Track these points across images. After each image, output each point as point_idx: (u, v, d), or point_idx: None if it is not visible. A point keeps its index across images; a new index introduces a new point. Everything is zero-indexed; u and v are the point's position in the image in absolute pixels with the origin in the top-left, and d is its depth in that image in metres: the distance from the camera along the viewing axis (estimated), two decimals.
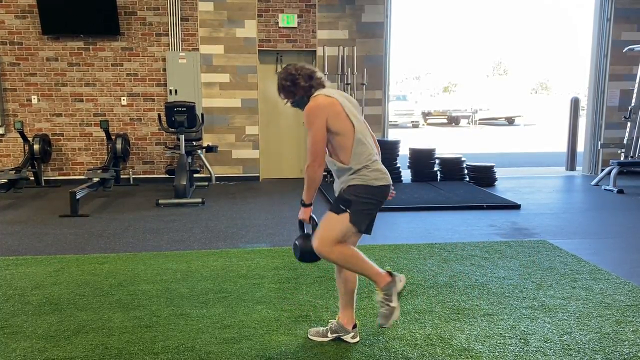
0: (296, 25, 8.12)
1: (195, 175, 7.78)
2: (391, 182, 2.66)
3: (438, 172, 8.13)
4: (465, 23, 63.20)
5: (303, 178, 2.65)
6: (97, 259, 4.32)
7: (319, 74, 2.70)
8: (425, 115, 26.58)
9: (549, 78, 43.20)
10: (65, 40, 7.77)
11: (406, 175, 8.18)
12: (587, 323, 3.05)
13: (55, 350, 2.76)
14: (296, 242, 2.70)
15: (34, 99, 7.86)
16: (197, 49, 7.94)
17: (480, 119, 25.69)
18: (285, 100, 2.74)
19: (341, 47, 8.23)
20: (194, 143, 7.62)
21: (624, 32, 8.57)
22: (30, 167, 7.48)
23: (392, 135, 9.03)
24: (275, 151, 8.52)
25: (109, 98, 7.96)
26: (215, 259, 4.29)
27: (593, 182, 7.93)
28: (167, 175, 7.71)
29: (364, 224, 2.62)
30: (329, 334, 2.83)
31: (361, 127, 2.62)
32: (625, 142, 8.22)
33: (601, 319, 3.12)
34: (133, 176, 8.11)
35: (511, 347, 2.77)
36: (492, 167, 8.03)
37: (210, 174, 8.19)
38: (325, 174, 7.33)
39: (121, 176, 7.93)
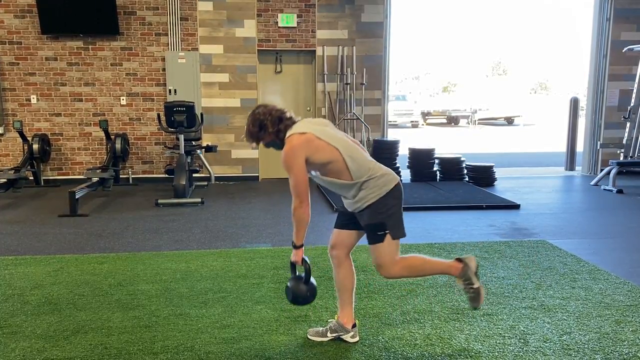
0: (295, 25, 8.12)
1: (195, 175, 7.77)
2: (397, 176, 2.65)
3: (437, 172, 8.13)
4: (465, 23, 63.32)
5: None
6: (97, 258, 4.32)
7: (289, 114, 2.64)
8: (425, 115, 26.55)
9: (548, 78, 43.26)
10: (64, 39, 7.77)
11: (405, 175, 8.17)
12: (586, 323, 3.05)
13: (54, 350, 2.76)
14: (288, 284, 2.69)
15: (33, 98, 7.86)
16: (197, 49, 7.94)
17: (479, 119, 25.67)
18: (254, 144, 2.68)
19: (341, 47, 8.23)
20: (194, 143, 7.61)
21: (623, 32, 8.57)
22: (29, 166, 7.47)
23: (391, 135, 9.03)
24: (274, 151, 8.43)
25: (108, 98, 7.96)
26: (214, 258, 4.29)
27: (592, 182, 7.93)
28: (167, 175, 7.70)
29: (402, 229, 2.64)
30: (328, 334, 2.83)
31: (344, 144, 2.58)
32: (624, 142, 8.21)
33: (601, 319, 3.12)
34: (132, 176, 8.11)
35: (511, 347, 2.77)
36: (491, 167, 8.03)
37: (210, 173, 8.19)
38: None
39: (120, 176, 7.92)
